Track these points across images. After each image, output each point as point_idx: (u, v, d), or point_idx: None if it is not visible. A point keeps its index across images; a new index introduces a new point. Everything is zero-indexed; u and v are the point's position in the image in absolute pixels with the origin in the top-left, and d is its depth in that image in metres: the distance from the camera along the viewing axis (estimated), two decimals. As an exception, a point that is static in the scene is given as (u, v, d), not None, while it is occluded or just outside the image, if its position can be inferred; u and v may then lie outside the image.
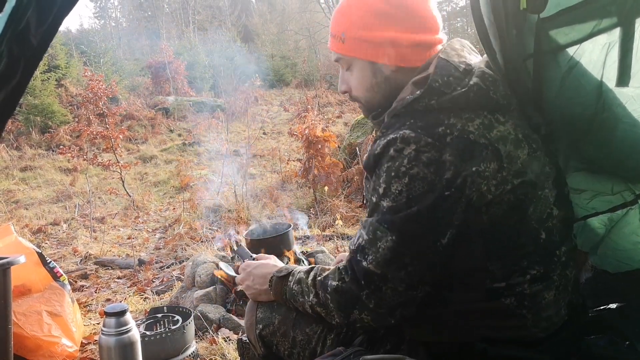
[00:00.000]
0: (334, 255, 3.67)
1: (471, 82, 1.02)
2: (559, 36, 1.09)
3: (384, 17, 1.09)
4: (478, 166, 0.96)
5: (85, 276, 4.33)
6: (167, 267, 4.48)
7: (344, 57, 1.19)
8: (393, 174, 0.98)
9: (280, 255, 3.21)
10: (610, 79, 1.06)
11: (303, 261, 3.42)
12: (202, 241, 5.05)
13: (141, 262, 4.61)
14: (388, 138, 1.00)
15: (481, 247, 1.01)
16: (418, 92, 1.02)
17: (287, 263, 3.19)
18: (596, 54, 1.06)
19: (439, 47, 1.14)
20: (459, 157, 0.95)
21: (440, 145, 0.96)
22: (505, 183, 0.98)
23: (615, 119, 1.11)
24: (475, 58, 1.14)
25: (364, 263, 1.03)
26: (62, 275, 2.64)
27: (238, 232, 3.95)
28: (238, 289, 2.99)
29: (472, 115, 1.00)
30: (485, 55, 1.18)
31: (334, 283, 1.10)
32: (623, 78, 1.02)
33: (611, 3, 0.98)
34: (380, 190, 1.01)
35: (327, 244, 4.40)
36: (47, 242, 5.67)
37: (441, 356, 1.10)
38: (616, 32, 1.00)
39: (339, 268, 1.12)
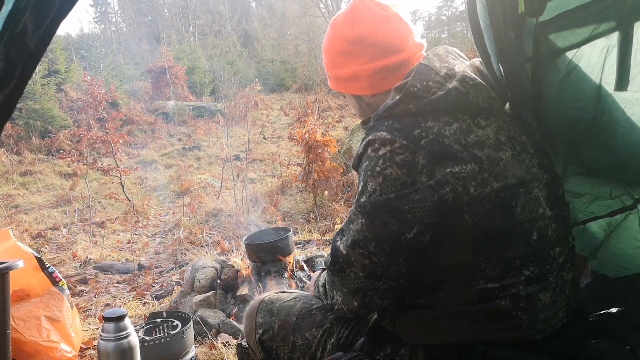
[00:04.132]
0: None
1: (450, 86, 1.05)
2: (557, 40, 1.09)
3: (345, 55, 1.19)
4: (452, 168, 0.98)
5: (84, 281, 4.32)
6: (167, 272, 4.47)
7: (337, 91, 1.31)
8: (369, 172, 1.03)
9: (278, 259, 3.21)
10: (609, 82, 1.06)
11: (303, 265, 3.41)
12: (201, 246, 5.05)
13: (141, 267, 4.60)
14: (368, 139, 1.06)
15: (469, 247, 1.02)
16: (397, 97, 1.06)
17: (287, 268, 3.19)
18: (595, 58, 1.06)
19: (422, 53, 1.19)
20: (432, 160, 0.98)
21: (415, 148, 0.99)
22: (485, 184, 1.00)
23: (614, 123, 1.11)
24: (462, 64, 1.16)
25: (338, 243, 1.10)
26: (61, 280, 2.63)
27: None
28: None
29: (451, 119, 1.04)
30: (472, 60, 1.19)
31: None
32: (622, 82, 1.02)
33: (610, 7, 0.98)
34: (360, 188, 1.06)
35: (327, 248, 4.39)
36: (46, 246, 5.66)
37: (441, 359, 1.10)
38: (615, 36, 1.00)
39: None
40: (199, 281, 3.27)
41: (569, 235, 1.16)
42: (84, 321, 3.24)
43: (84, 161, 8.34)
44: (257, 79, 14.91)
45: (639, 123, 1.08)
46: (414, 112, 1.04)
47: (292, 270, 3.21)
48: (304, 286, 3.08)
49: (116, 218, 7.10)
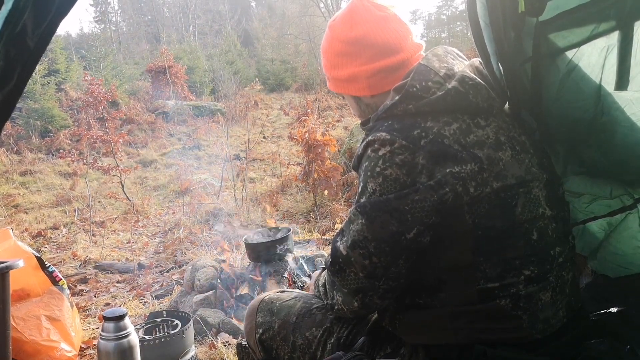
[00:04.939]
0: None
1: (449, 86, 1.05)
2: (557, 39, 1.09)
3: (343, 56, 1.19)
4: (452, 168, 0.98)
5: (84, 280, 4.32)
6: (167, 272, 4.47)
7: (336, 92, 1.31)
8: (369, 173, 1.03)
9: (281, 259, 3.20)
10: (609, 82, 1.06)
11: (303, 265, 3.41)
12: (201, 245, 5.05)
13: (141, 267, 4.60)
14: (368, 139, 1.05)
15: (470, 247, 1.02)
16: (397, 98, 1.06)
17: (287, 268, 3.19)
18: (595, 58, 1.06)
19: (421, 53, 1.19)
20: (432, 160, 0.98)
21: (415, 148, 0.99)
22: (485, 184, 1.00)
23: (614, 123, 1.11)
24: (461, 64, 1.15)
25: (338, 243, 1.10)
26: (61, 279, 2.63)
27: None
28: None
29: (450, 119, 1.03)
30: (471, 60, 1.19)
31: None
32: (622, 82, 1.02)
33: (610, 7, 0.98)
34: (360, 189, 1.06)
35: (327, 248, 4.39)
36: (46, 246, 5.66)
37: (441, 359, 1.10)
38: (615, 36, 1.00)
39: None
40: (199, 280, 3.27)
41: (569, 235, 1.16)
42: (84, 321, 3.24)
43: (84, 161, 8.34)
44: (257, 79, 14.91)
45: (639, 123, 1.08)
46: (413, 113, 1.04)
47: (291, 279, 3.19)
48: (303, 286, 3.08)
49: (116, 217, 7.10)
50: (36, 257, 2.53)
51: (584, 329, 1.13)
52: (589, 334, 1.13)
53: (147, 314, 2.91)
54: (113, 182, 8.86)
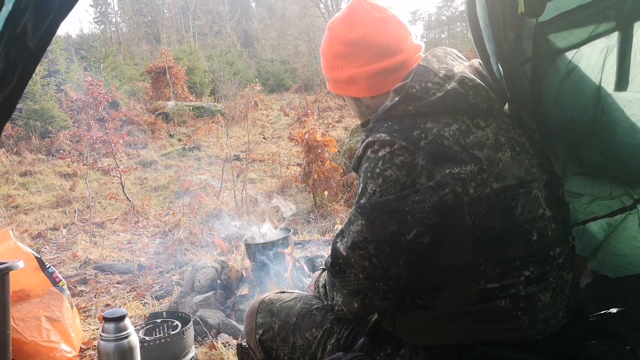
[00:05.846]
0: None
1: (449, 87, 1.05)
2: (557, 40, 1.09)
3: (343, 58, 1.19)
4: (452, 169, 0.98)
5: (84, 281, 4.32)
6: (167, 272, 4.47)
7: (335, 94, 1.31)
8: (369, 174, 1.03)
9: (279, 260, 3.20)
10: (608, 83, 1.06)
11: (302, 266, 3.41)
12: (201, 246, 5.05)
13: (141, 267, 4.60)
14: (367, 140, 1.05)
15: (470, 248, 1.02)
16: (396, 99, 1.06)
17: (287, 269, 3.19)
18: (594, 58, 1.06)
19: (421, 54, 1.19)
20: (431, 161, 0.98)
21: (414, 149, 0.99)
22: (484, 185, 1.00)
23: (614, 123, 1.11)
24: (460, 65, 1.16)
25: (338, 244, 1.10)
26: (61, 280, 2.63)
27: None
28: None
29: (450, 120, 1.03)
30: (471, 61, 1.19)
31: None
32: (621, 82, 1.02)
33: (609, 7, 0.98)
34: (360, 190, 1.06)
35: (327, 248, 4.39)
36: (46, 247, 5.66)
37: (441, 359, 1.10)
38: (614, 36, 1.00)
39: None
40: (199, 281, 3.27)
41: (568, 236, 1.16)
42: (84, 321, 3.24)
43: (84, 161, 8.32)
44: (257, 79, 14.91)
45: (638, 123, 1.08)
46: (413, 114, 1.04)
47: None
48: (303, 287, 3.08)
49: (116, 218, 7.09)
50: (36, 257, 2.53)
51: (584, 330, 1.13)
52: (589, 335, 1.13)
53: (147, 315, 2.90)
54: (113, 183, 8.86)
